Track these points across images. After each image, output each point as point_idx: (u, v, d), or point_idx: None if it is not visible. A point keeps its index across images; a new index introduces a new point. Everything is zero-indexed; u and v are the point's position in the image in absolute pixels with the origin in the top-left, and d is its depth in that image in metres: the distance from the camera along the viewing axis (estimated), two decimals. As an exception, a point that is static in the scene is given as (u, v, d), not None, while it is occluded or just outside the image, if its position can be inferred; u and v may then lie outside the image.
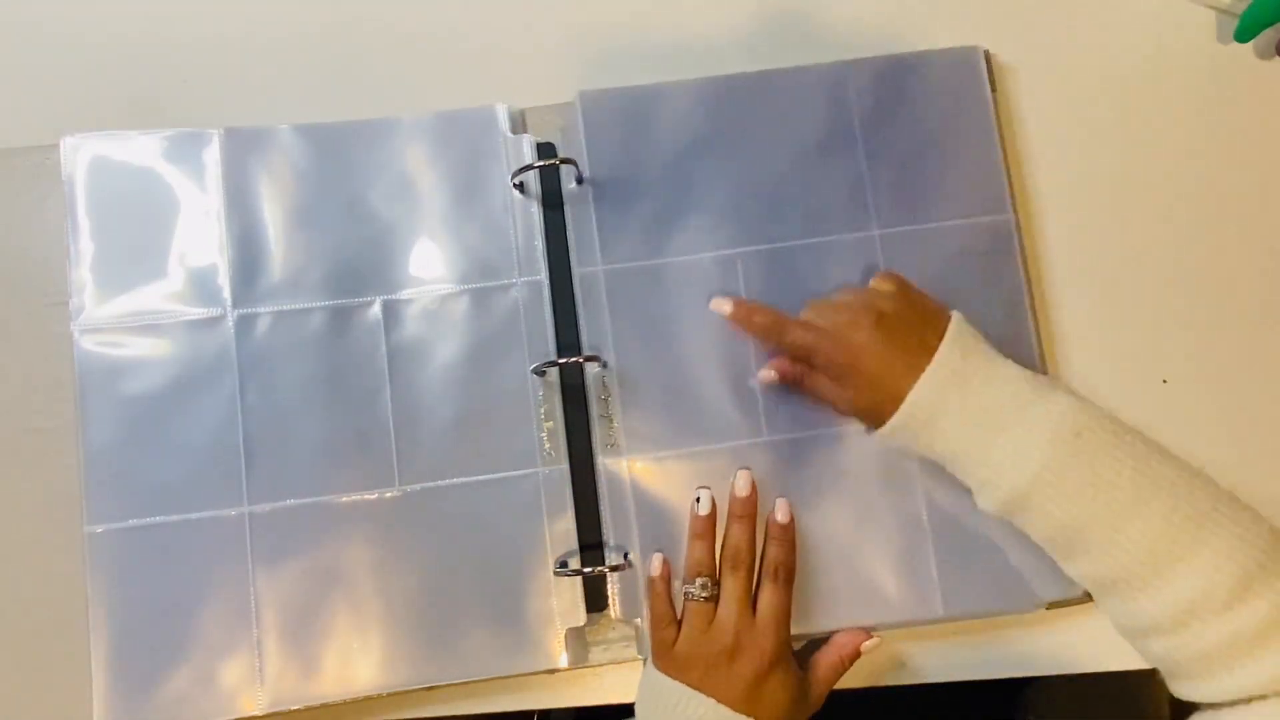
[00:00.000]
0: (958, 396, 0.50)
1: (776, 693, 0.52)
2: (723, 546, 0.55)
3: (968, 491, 0.52)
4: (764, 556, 0.55)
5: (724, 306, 0.58)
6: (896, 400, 0.51)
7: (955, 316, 0.54)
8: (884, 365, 0.52)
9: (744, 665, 0.52)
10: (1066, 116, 0.64)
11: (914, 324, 0.53)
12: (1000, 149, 0.61)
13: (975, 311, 0.59)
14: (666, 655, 0.53)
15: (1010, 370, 0.52)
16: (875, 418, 0.53)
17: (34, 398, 0.59)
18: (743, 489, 0.56)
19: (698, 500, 0.56)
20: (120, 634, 0.55)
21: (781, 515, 0.56)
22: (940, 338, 0.52)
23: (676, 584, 0.56)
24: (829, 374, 0.55)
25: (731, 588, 0.54)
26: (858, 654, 0.55)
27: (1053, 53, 0.65)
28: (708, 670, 0.52)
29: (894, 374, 0.52)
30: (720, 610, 0.53)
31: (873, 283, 0.57)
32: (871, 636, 0.55)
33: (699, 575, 0.54)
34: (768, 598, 0.54)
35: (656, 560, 0.56)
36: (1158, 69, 0.65)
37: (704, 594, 0.53)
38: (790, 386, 0.57)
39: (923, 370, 0.51)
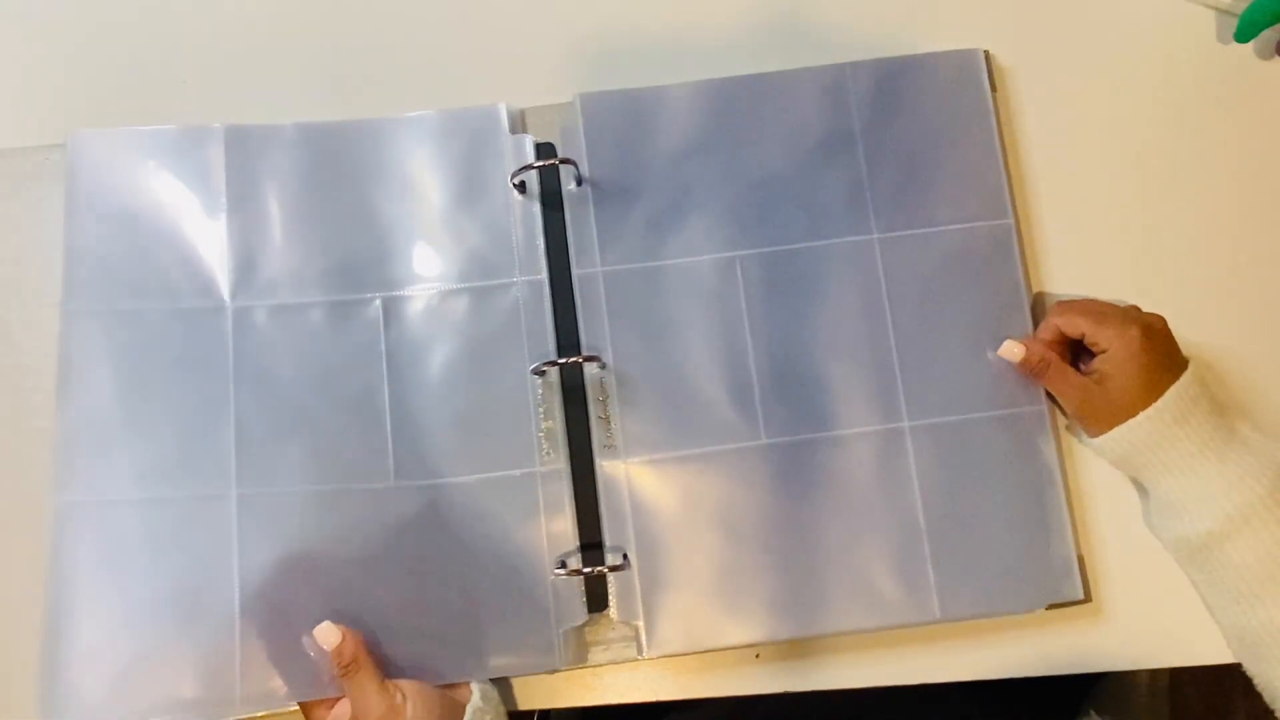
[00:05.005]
0: (1196, 418, 0.54)
1: None
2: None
3: (980, 497, 0.53)
4: None
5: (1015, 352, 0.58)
6: (1128, 411, 0.54)
7: (1193, 364, 0.56)
8: (1142, 372, 0.54)
9: None
10: (1066, 118, 0.64)
11: (1168, 352, 0.56)
12: (1000, 152, 0.61)
13: (974, 316, 0.59)
14: None
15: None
16: (1099, 422, 0.56)
17: (35, 398, 0.59)
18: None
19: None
20: (94, 617, 0.54)
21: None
22: (1175, 379, 0.55)
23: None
24: (1096, 365, 0.56)
25: None
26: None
27: (1053, 53, 0.64)
28: None
29: (1141, 384, 0.54)
30: None
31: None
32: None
33: None
34: None
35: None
36: (1158, 69, 0.64)
37: None
38: (1026, 370, 0.58)
39: (1161, 395, 0.54)
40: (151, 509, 0.56)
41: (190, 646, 0.54)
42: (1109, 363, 0.55)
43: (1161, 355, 0.55)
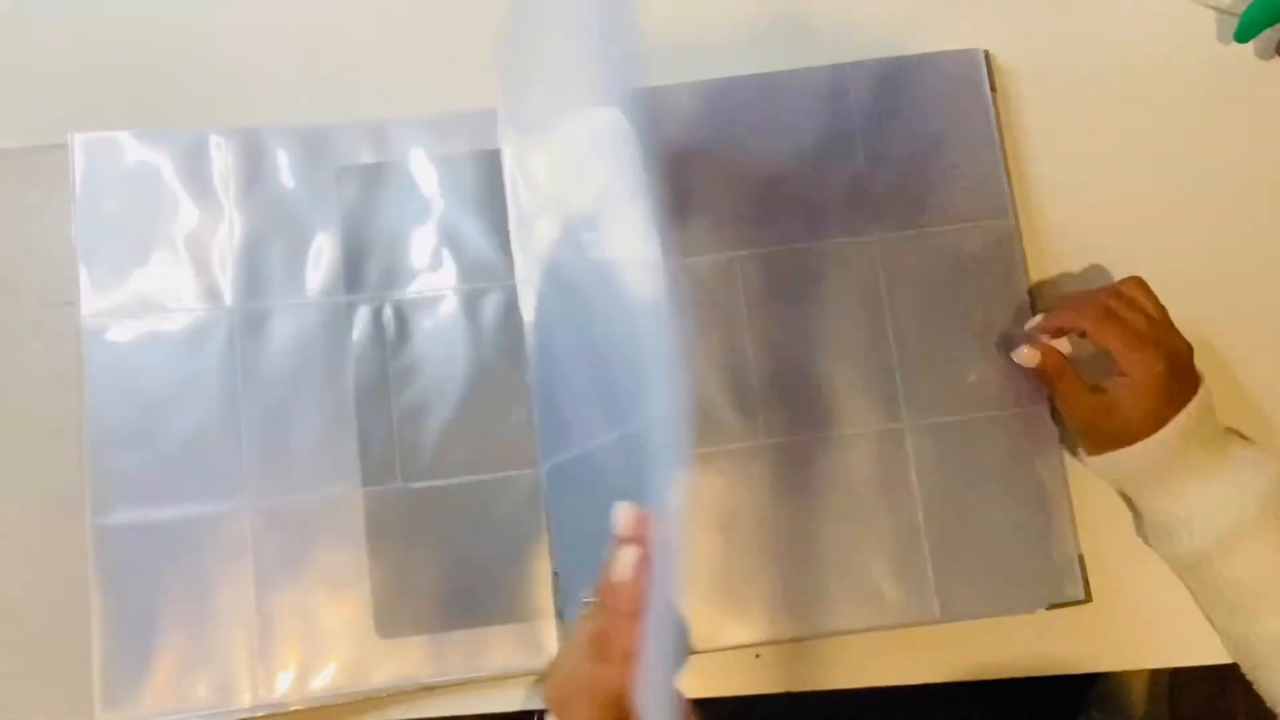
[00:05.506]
0: (1192, 446, 0.53)
1: None
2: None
3: (980, 497, 0.54)
4: None
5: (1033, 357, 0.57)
6: (1128, 439, 0.53)
7: (1203, 387, 0.55)
8: (1153, 404, 0.53)
9: None
10: (1066, 118, 0.64)
11: (1183, 383, 0.54)
12: (1001, 152, 0.61)
13: (976, 318, 0.59)
14: None
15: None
16: (1097, 443, 0.55)
17: (38, 398, 0.59)
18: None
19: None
20: (123, 626, 0.55)
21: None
22: (1180, 409, 0.53)
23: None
24: (1111, 389, 0.54)
25: None
26: None
27: (1053, 53, 0.64)
28: None
29: (1147, 415, 0.53)
30: None
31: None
32: None
33: None
34: None
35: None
36: (1158, 69, 0.64)
37: None
38: (1037, 374, 0.57)
39: (1162, 426, 0.53)
40: (172, 525, 0.56)
41: (217, 650, 0.55)
42: (1125, 388, 0.53)
43: (1174, 390, 0.53)
